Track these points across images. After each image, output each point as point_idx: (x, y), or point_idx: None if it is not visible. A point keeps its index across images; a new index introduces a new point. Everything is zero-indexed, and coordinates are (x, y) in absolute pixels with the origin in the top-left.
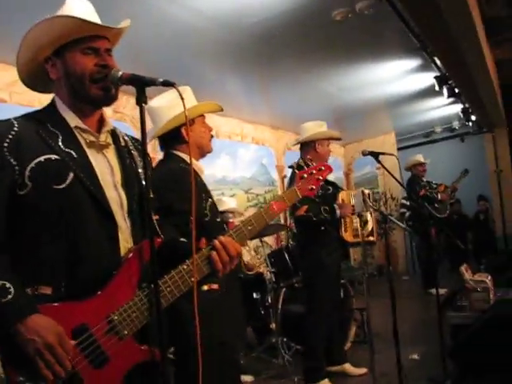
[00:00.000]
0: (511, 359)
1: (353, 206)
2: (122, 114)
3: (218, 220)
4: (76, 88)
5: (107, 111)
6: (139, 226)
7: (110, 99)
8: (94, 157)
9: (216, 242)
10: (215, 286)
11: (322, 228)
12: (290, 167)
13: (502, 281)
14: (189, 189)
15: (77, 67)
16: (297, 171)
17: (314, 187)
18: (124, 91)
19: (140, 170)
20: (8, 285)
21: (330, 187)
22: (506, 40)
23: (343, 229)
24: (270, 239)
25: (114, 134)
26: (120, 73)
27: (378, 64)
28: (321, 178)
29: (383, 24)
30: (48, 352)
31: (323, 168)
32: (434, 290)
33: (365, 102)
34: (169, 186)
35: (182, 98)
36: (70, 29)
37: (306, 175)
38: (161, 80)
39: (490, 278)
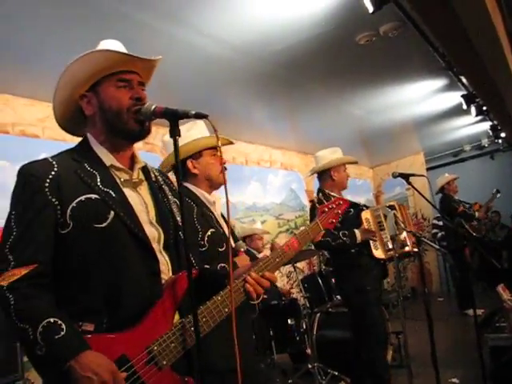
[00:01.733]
0: None
1: (379, 221)
2: (152, 145)
3: (221, 249)
4: (112, 122)
5: (137, 143)
6: (176, 260)
7: (144, 132)
8: (129, 194)
9: (248, 278)
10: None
11: (353, 251)
12: (310, 201)
13: None
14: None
15: (113, 101)
16: (318, 205)
17: (334, 221)
18: (154, 122)
19: (173, 205)
20: (59, 322)
21: (352, 209)
22: None
23: (373, 247)
24: (302, 264)
25: (144, 169)
26: (153, 106)
27: (404, 85)
28: (340, 211)
29: (408, 46)
30: None
31: (341, 202)
32: (470, 311)
33: (392, 123)
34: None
35: (215, 130)
36: (107, 62)
37: (326, 209)
38: (193, 112)
39: None
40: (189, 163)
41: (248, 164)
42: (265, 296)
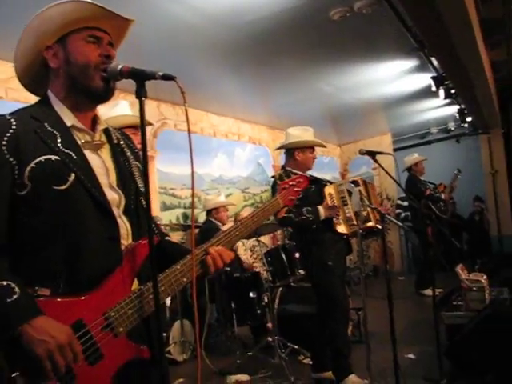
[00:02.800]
0: (506, 358)
1: (343, 197)
2: None
3: None
4: (77, 78)
5: (103, 109)
6: (136, 226)
7: (109, 92)
8: (90, 157)
9: (211, 250)
10: None
11: (314, 226)
12: (272, 177)
13: (497, 281)
14: None
15: (80, 55)
16: (279, 182)
17: (294, 198)
18: (121, 89)
19: (134, 169)
20: (13, 285)
21: (313, 186)
22: (501, 41)
23: (336, 223)
24: (266, 238)
25: (107, 132)
26: (120, 66)
27: (375, 64)
28: (300, 189)
29: (381, 24)
30: (59, 353)
31: (302, 180)
32: (427, 291)
33: (361, 102)
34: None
35: (183, 92)
36: (80, 13)
37: (287, 186)
38: (161, 74)
39: (485, 277)
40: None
41: (216, 136)
42: (227, 268)
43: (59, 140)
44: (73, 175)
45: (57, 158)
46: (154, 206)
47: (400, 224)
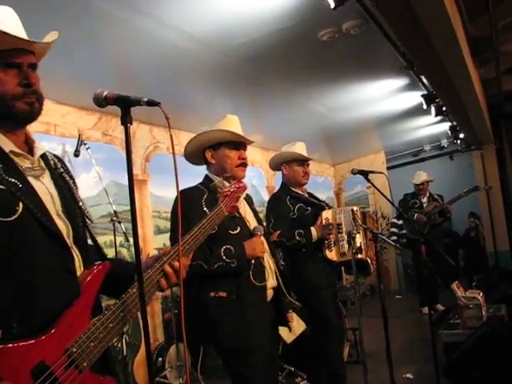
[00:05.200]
0: (503, 376)
1: (339, 223)
2: (111, 137)
3: (233, 232)
4: None
5: (95, 134)
6: (86, 255)
7: (35, 114)
8: (34, 184)
9: (167, 267)
10: (223, 294)
11: (304, 250)
12: (212, 185)
13: (494, 297)
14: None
15: None
16: (219, 190)
17: (236, 204)
18: (114, 114)
19: (76, 195)
20: None
21: (310, 208)
22: (491, 59)
23: (327, 248)
24: None
25: (44, 157)
26: (105, 93)
27: (365, 83)
28: (240, 195)
29: (370, 44)
30: None
31: (241, 185)
32: (425, 309)
33: (353, 121)
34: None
35: (167, 118)
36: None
37: (229, 193)
38: (145, 100)
39: (481, 294)
40: (206, 153)
41: None
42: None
43: (1, 168)
44: (21, 205)
45: (2, 187)
46: (148, 230)
47: (392, 243)
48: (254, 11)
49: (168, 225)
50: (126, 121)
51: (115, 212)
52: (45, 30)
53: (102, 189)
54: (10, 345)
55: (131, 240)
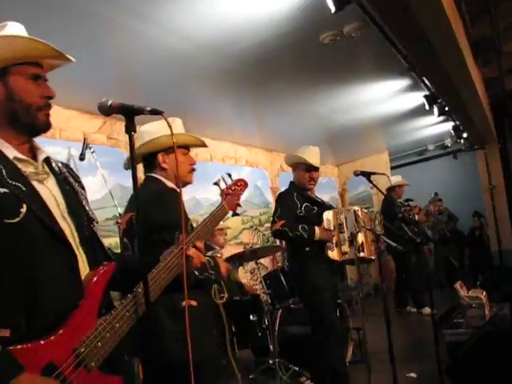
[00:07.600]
0: (507, 375)
1: (340, 224)
2: (116, 140)
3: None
4: (20, 115)
5: (99, 137)
6: (92, 255)
7: (50, 126)
8: (38, 188)
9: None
10: (194, 303)
11: (307, 249)
12: (214, 184)
13: (498, 296)
14: (171, 205)
15: (24, 94)
16: (220, 188)
17: (238, 201)
18: (118, 118)
19: (81, 197)
20: None
21: (316, 207)
22: (493, 58)
23: (329, 248)
24: (265, 261)
25: (48, 161)
26: (110, 102)
27: (368, 85)
28: (241, 192)
29: (371, 46)
30: None
31: (242, 183)
32: (425, 309)
33: (357, 122)
34: (153, 203)
35: (170, 126)
36: (32, 51)
37: (231, 191)
38: (149, 109)
39: (484, 293)
40: (159, 156)
41: (212, 160)
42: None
43: (4, 172)
44: (25, 207)
45: (6, 190)
46: None
47: (394, 245)
48: (256, 16)
49: None
50: (130, 129)
51: (120, 215)
52: (48, 36)
53: (107, 192)
54: (20, 346)
55: None
